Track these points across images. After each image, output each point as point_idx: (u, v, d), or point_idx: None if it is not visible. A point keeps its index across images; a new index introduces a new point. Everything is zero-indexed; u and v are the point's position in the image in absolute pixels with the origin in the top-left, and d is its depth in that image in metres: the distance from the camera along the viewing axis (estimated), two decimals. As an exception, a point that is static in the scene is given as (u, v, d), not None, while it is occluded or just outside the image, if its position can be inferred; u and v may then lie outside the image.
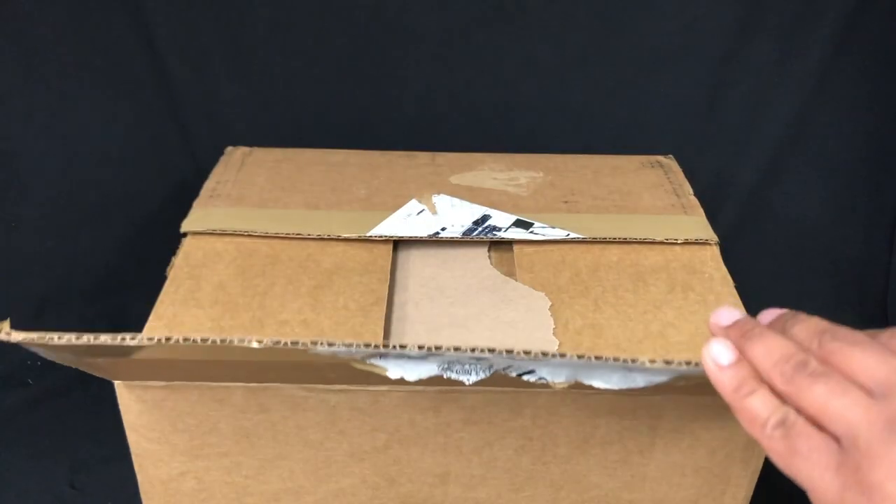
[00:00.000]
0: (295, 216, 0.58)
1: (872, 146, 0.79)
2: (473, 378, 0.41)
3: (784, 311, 0.37)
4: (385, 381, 0.47)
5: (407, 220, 0.58)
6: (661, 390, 0.42)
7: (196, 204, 0.60)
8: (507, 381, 0.43)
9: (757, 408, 0.35)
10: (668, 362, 0.38)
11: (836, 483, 0.32)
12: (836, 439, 0.32)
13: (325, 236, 0.56)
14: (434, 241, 0.57)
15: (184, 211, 0.59)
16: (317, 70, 0.76)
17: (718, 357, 0.36)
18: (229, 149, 0.69)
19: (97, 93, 0.75)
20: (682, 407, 0.49)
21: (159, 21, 0.72)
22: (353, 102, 0.78)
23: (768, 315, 0.38)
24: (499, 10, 0.73)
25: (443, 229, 0.57)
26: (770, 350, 0.35)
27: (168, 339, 0.38)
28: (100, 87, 0.74)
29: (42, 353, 0.41)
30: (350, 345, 0.37)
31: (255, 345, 0.37)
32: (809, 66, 0.75)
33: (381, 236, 0.56)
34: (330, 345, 0.37)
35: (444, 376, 0.41)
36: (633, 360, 0.38)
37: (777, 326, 0.37)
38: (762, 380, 0.35)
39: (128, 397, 0.48)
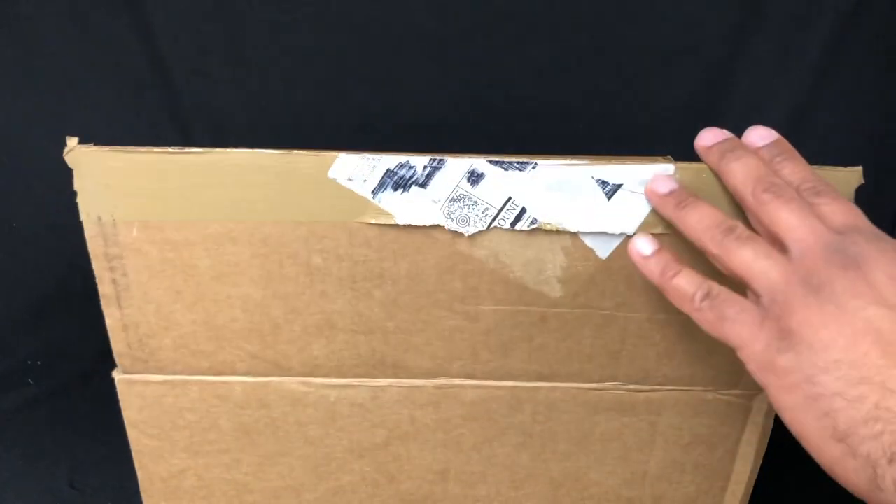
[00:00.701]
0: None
1: (872, 146, 0.79)
2: (472, 229, 0.43)
3: (724, 136, 0.43)
4: (385, 373, 0.47)
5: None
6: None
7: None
8: (509, 293, 0.45)
9: (683, 286, 0.39)
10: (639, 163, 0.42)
11: (762, 335, 0.36)
12: (758, 298, 0.37)
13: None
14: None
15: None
16: (317, 70, 0.76)
17: (641, 249, 0.42)
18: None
19: (97, 93, 0.75)
20: (682, 404, 0.49)
21: (159, 21, 0.72)
22: (353, 102, 0.78)
23: (709, 136, 0.44)
24: (498, 10, 0.73)
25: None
26: (702, 217, 0.39)
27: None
28: (100, 87, 0.74)
29: (81, 197, 0.45)
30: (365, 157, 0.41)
31: (273, 153, 0.41)
32: (809, 65, 0.75)
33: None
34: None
35: (447, 227, 0.43)
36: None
37: (716, 152, 0.42)
38: (683, 262, 0.40)
39: (128, 393, 0.48)
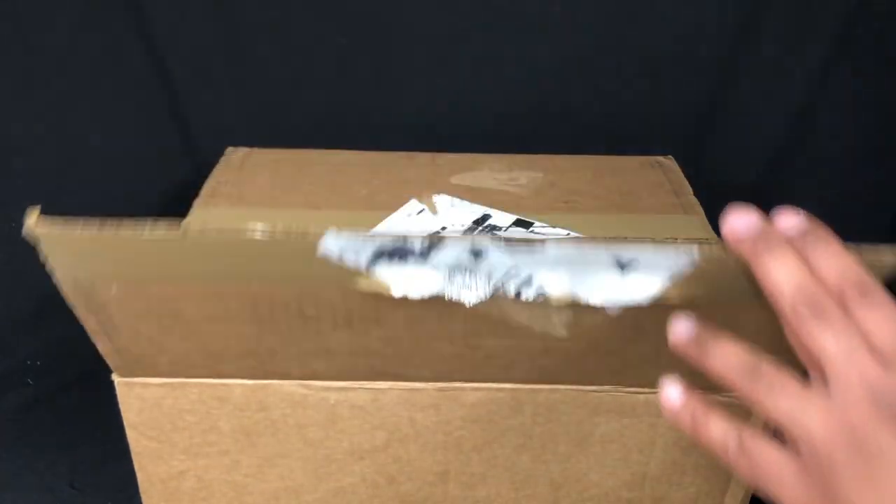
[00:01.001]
0: (295, 216, 0.58)
1: (872, 146, 0.79)
2: (474, 297, 0.41)
3: (756, 225, 0.37)
4: (385, 376, 0.47)
5: (407, 220, 0.58)
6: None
7: (196, 204, 0.60)
8: (505, 332, 0.44)
9: (715, 435, 0.37)
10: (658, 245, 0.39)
11: (803, 491, 0.34)
12: (796, 446, 0.34)
13: (326, 235, 0.56)
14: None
15: (184, 211, 0.59)
16: (317, 71, 0.76)
17: (671, 398, 0.39)
18: (230, 149, 0.69)
19: (97, 93, 0.74)
20: (683, 405, 0.49)
21: (159, 21, 0.72)
22: (353, 103, 0.78)
23: (740, 224, 0.37)
24: (499, 10, 0.73)
25: (443, 229, 0.57)
26: (724, 361, 0.36)
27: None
28: (100, 87, 0.74)
29: (52, 262, 0.41)
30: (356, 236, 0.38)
31: (258, 234, 0.38)
32: (810, 65, 0.75)
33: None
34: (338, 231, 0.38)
35: (447, 296, 0.41)
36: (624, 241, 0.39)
37: (749, 244, 0.37)
38: (712, 405, 0.38)
39: (128, 395, 0.48)
